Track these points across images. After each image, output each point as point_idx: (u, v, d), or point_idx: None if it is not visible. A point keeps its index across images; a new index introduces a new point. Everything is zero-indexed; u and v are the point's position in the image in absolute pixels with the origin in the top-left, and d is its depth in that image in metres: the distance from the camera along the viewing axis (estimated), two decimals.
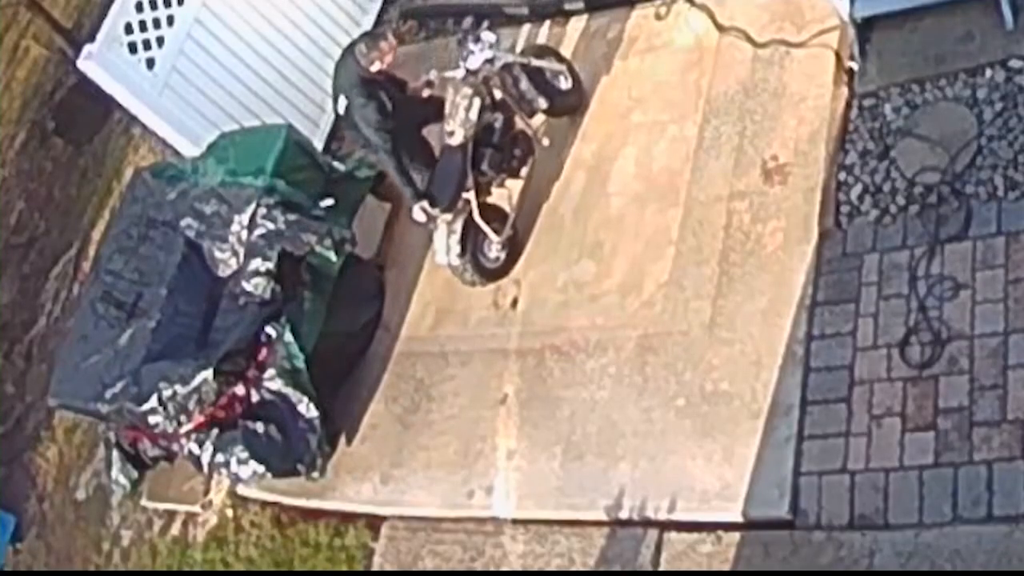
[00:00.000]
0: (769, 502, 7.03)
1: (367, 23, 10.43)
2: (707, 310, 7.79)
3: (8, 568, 10.23)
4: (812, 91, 8.13)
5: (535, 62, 8.76)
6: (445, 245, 8.55)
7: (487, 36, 8.48)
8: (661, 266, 8.12)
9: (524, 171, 8.84)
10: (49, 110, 12.51)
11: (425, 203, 8.40)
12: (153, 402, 8.28)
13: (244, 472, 8.39)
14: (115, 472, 9.00)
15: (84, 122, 12.02)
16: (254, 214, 8.59)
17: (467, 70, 8.43)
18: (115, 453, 8.97)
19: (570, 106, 8.98)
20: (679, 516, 7.27)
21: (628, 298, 8.17)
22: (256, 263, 8.49)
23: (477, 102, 8.46)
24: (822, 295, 7.47)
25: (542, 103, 8.75)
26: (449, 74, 8.52)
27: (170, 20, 9.33)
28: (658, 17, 9.07)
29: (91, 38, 9.30)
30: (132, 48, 9.18)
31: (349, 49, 8.59)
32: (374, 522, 8.40)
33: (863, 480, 6.84)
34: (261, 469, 8.36)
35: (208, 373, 8.25)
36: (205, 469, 8.58)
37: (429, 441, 8.42)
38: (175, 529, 9.42)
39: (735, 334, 7.61)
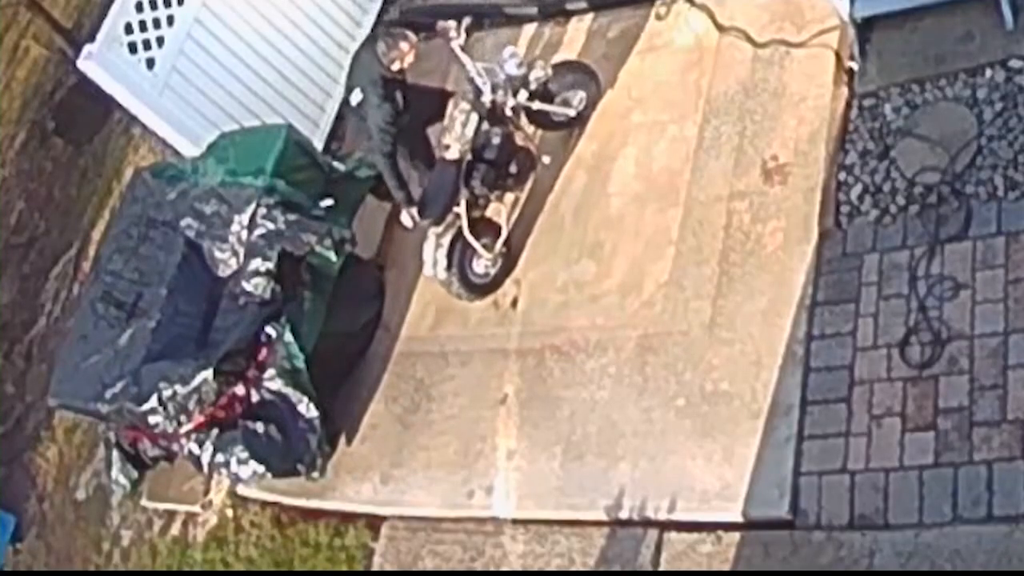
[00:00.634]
0: (769, 502, 7.03)
1: (367, 23, 10.42)
2: (707, 310, 7.79)
3: (8, 568, 10.23)
4: (812, 91, 8.13)
5: (545, 107, 8.64)
6: (432, 258, 8.49)
7: (513, 65, 8.40)
8: (661, 266, 8.12)
9: (523, 187, 8.76)
10: (49, 110, 12.50)
11: (414, 211, 8.39)
12: (153, 402, 8.27)
13: (244, 472, 8.38)
14: (115, 472, 8.99)
15: (84, 122, 12.01)
16: (254, 214, 8.58)
17: (478, 91, 8.33)
18: (115, 453, 8.96)
19: (580, 121, 8.94)
20: (679, 516, 7.27)
21: (628, 298, 8.17)
22: (256, 263, 8.48)
23: (475, 118, 8.37)
24: (822, 295, 7.47)
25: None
26: (468, 87, 8.41)
27: (170, 20, 9.32)
28: (658, 17, 9.08)
29: (91, 38, 9.29)
30: (132, 48, 9.17)
31: (369, 44, 8.51)
32: (374, 522, 8.40)
33: (863, 480, 6.84)
34: (261, 469, 8.36)
35: (208, 373, 8.24)
36: (205, 469, 8.57)
37: (429, 441, 8.42)
38: (175, 529, 9.42)
39: (735, 334, 7.61)
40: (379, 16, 10.50)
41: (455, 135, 8.39)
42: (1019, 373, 6.68)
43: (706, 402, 7.50)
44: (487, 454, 8.13)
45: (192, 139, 9.40)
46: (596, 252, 8.49)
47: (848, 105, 8.03)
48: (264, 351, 8.42)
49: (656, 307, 8.00)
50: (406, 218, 8.47)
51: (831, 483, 6.92)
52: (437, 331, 8.86)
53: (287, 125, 9.17)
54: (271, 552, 8.82)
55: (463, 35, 8.42)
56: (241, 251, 8.59)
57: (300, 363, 8.44)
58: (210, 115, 9.51)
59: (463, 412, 8.38)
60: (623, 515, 7.45)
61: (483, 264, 8.64)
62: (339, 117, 10.24)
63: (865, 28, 8.00)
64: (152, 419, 8.34)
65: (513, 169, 8.64)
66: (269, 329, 8.43)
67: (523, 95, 8.51)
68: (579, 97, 8.85)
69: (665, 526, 7.29)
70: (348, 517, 8.54)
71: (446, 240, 8.46)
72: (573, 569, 7.49)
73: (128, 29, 9.15)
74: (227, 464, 8.39)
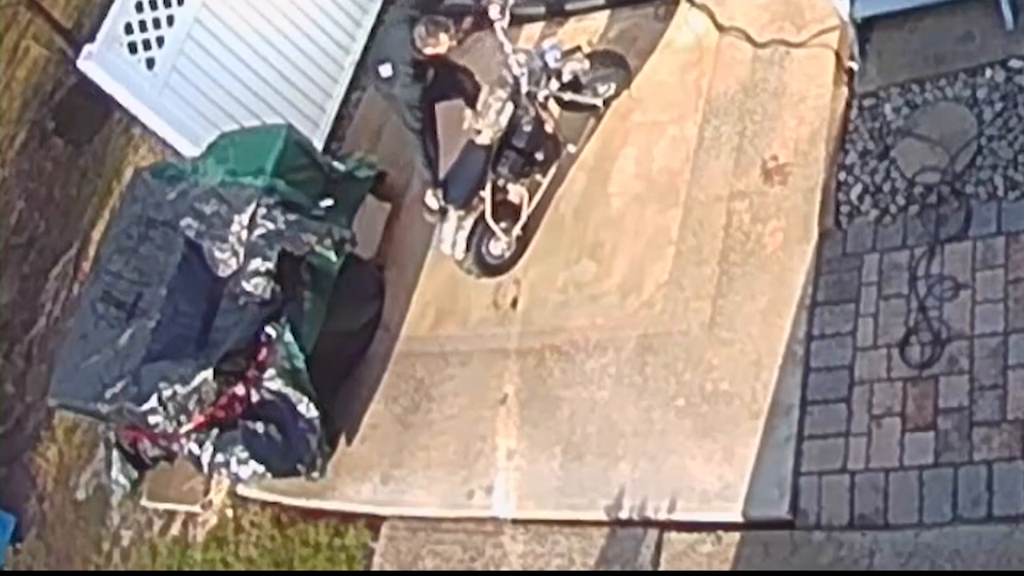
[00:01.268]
0: (769, 502, 7.03)
1: (367, 23, 10.43)
2: (707, 310, 7.79)
3: (8, 568, 10.23)
4: (812, 91, 8.13)
5: (576, 97, 8.67)
6: (452, 238, 8.55)
7: (552, 58, 8.42)
8: (661, 266, 8.12)
9: (546, 173, 8.78)
10: (49, 110, 12.50)
11: (440, 192, 8.42)
12: (153, 402, 8.27)
13: (244, 472, 8.38)
14: (115, 472, 8.99)
15: (84, 122, 12.01)
16: (254, 214, 8.59)
17: (516, 80, 8.38)
18: (115, 453, 8.96)
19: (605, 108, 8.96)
20: (679, 516, 7.27)
21: (628, 298, 8.17)
22: (256, 263, 8.48)
23: (510, 107, 8.42)
24: (822, 295, 7.47)
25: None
26: (506, 74, 8.43)
27: (170, 20, 9.32)
28: (658, 17, 9.08)
29: (91, 38, 9.29)
30: (132, 48, 9.17)
31: (405, 22, 8.40)
32: (374, 522, 8.40)
33: (863, 480, 6.84)
34: (261, 469, 8.36)
35: (208, 373, 8.24)
36: (205, 469, 8.57)
37: (429, 441, 8.42)
38: (175, 529, 9.42)
39: (735, 334, 7.61)
40: (379, 16, 10.50)
41: (488, 121, 8.42)
42: (1019, 373, 6.68)
43: (706, 402, 7.50)
44: (487, 454, 8.13)
45: (192, 139, 9.40)
46: (596, 252, 8.49)
47: (848, 105, 8.02)
48: (264, 351, 8.42)
49: (656, 307, 8.00)
50: (431, 199, 8.49)
51: (831, 483, 6.91)
52: (437, 331, 8.86)
53: (287, 125, 9.17)
54: (271, 552, 8.82)
55: (507, 16, 8.43)
56: (241, 251, 8.59)
57: (300, 363, 8.44)
58: (210, 115, 9.51)
59: (463, 412, 8.38)
60: (623, 515, 7.45)
61: (500, 246, 8.69)
62: (339, 117, 10.26)
63: (865, 28, 7.99)
64: (152, 419, 8.34)
65: (539, 156, 8.68)
66: (269, 329, 8.43)
67: (554, 84, 8.54)
68: (608, 87, 8.84)
69: (665, 526, 7.29)
70: (348, 517, 8.54)
71: (468, 223, 8.52)
72: (573, 569, 7.49)
73: (128, 29, 9.15)
74: (227, 464, 8.39)
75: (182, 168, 9.23)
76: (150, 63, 9.23)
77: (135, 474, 9.02)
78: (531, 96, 8.49)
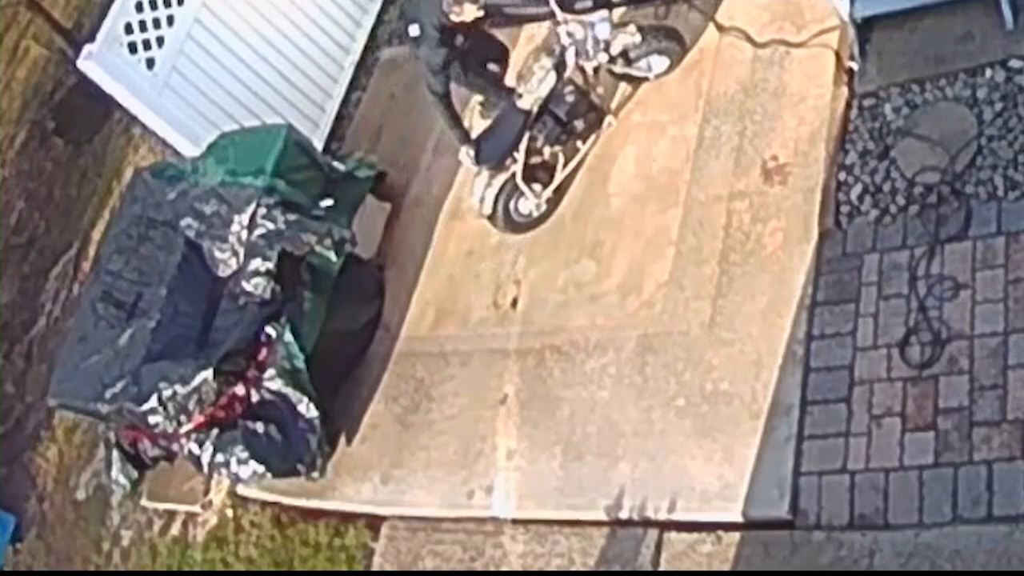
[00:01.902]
0: (769, 502, 7.03)
1: (367, 23, 10.44)
2: (707, 310, 7.79)
3: (8, 568, 10.23)
4: (812, 91, 8.13)
5: (627, 70, 8.66)
6: (481, 194, 8.57)
7: (602, 31, 8.40)
8: (661, 266, 8.12)
9: (586, 141, 8.77)
10: (49, 110, 12.51)
11: (472, 151, 8.44)
12: (153, 402, 8.28)
13: (244, 472, 8.38)
14: (115, 472, 9.00)
15: (84, 122, 12.02)
16: (254, 214, 8.59)
17: (563, 50, 8.37)
18: (115, 453, 8.96)
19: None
20: (679, 516, 7.27)
21: (628, 298, 8.17)
22: (256, 263, 8.48)
23: (552, 77, 8.43)
24: (822, 295, 7.47)
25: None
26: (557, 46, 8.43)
27: (170, 20, 9.32)
28: (658, 17, 9.07)
29: (91, 38, 9.29)
30: (132, 48, 9.17)
31: None
32: (374, 522, 8.40)
33: (863, 480, 6.84)
34: (261, 469, 8.36)
35: (208, 373, 8.24)
36: (205, 469, 8.57)
37: (429, 441, 8.42)
38: (175, 529, 9.42)
39: (735, 334, 7.61)
40: (379, 16, 10.51)
41: (530, 87, 8.43)
42: (1019, 373, 6.68)
43: (706, 402, 7.50)
44: (487, 454, 8.13)
45: (192, 139, 9.40)
46: (596, 252, 8.49)
47: (848, 105, 8.02)
48: (264, 351, 8.42)
49: (656, 307, 8.00)
50: (464, 157, 8.51)
51: (831, 483, 6.91)
52: (437, 331, 8.86)
53: (287, 125, 9.18)
54: (271, 552, 8.82)
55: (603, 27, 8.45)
56: (241, 251, 8.60)
57: (300, 363, 8.44)
58: (210, 115, 9.51)
59: (463, 412, 8.38)
60: (623, 515, 7.45)
61: (529, 205, 8.69)
62: (339, 117, 10.26)
63: (865, 28, 7.99)
64: (152, 419, 8.34)
65: (579, 126, 8.69)
66: (269, 329, 8.43)
67: (603, 56, 8.54)
68: (661, 61, 8.79)
69: (665, 526, 7.29)
70: (348, 517, 8.54)
71: (498, 182, 8.53)
72: (573, 569, 7.49)
73: (128, 29, 9.16)
74: (227, 464, 8.39)
75: (182, 168, 9.23)
76: (150, 63, 9.23)
77: (135, 474, 9.02)
78: (579, 67, 8.50)
